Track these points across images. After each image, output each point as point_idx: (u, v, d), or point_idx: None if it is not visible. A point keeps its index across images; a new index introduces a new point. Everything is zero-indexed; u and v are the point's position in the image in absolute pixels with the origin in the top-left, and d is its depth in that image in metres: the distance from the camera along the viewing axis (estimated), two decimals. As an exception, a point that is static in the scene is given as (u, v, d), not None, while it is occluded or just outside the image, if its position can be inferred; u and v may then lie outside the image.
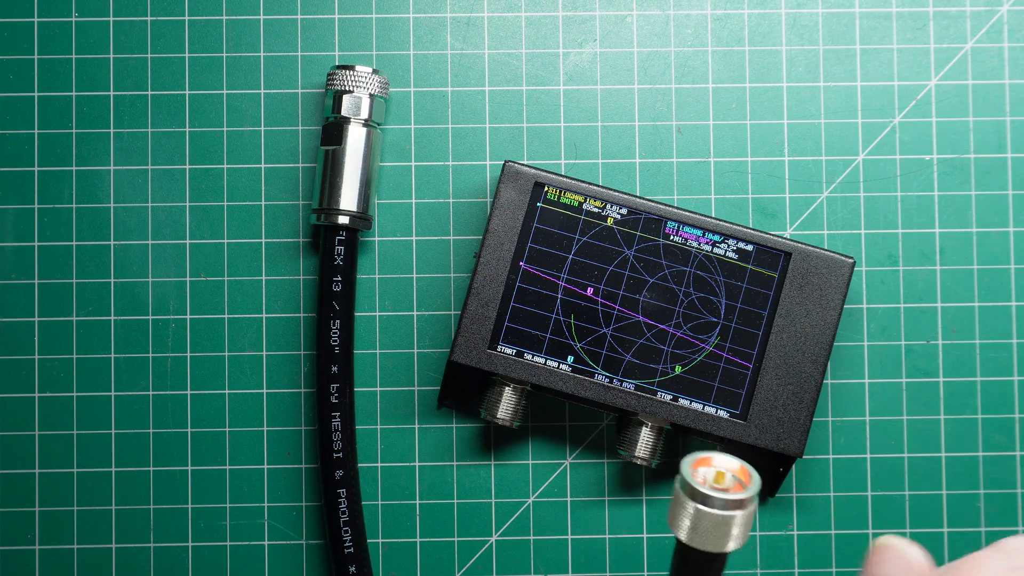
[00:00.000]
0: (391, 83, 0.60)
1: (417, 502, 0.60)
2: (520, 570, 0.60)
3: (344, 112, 0.58)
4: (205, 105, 0.60)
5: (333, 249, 0.58)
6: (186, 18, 0.61)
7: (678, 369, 0.57)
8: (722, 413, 0.57)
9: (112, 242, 0.60)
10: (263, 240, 0.60)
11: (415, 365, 0.60)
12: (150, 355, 0.60)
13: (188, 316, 0.60)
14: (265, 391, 0.60)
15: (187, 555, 0.59)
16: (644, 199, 0.57)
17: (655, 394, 0.57)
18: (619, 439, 0.58)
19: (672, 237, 0.57)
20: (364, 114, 0.58)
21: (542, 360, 0.57)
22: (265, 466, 0.60)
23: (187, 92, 0.60)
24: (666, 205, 0.57)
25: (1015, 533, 0.60)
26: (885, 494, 0.60)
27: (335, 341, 0.58)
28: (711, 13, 0.61)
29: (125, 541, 0.60)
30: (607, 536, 0.60)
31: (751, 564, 0.60)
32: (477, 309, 0.56)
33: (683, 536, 0.39)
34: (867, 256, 0.61)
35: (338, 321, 0.58)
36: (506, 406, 0.57)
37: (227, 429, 0.60)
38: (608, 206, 0.57)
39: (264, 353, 0.60)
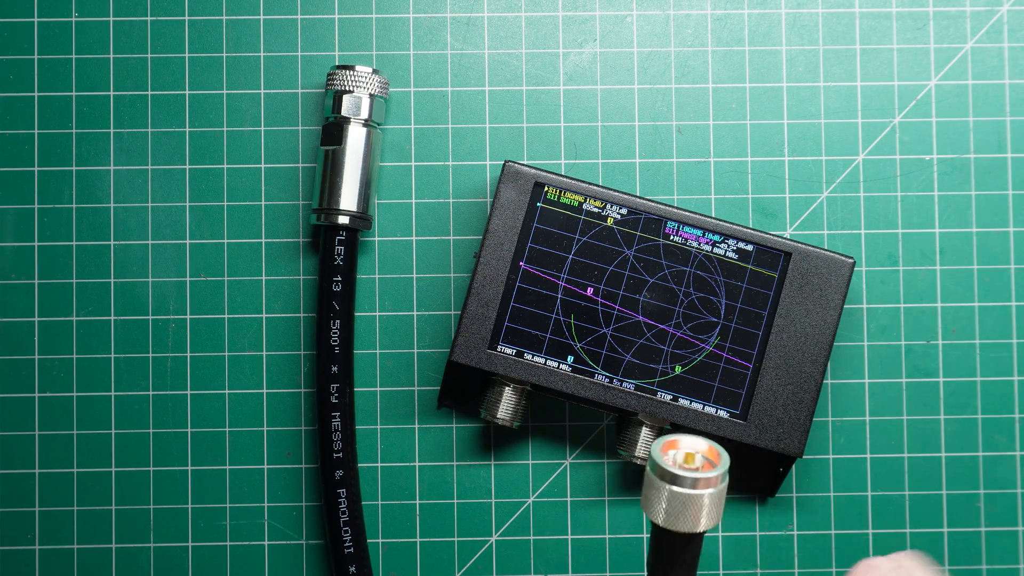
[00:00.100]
0: (391, 83, 0.60)
1: (417, 502, 0.60)
2: (520, 570, 0.60)
3: (344, 112, 0.58)
4: (205, 105, 0.60)
5: (333, 249, 0.58)
6: (186, 18, 0.61)
7: (678, 369, 0.57)
8: (722, 413, 0.57)
9: (112, 242, 0.60)
10: (263, 240, 0.60)
11: (415, 365, 0.60)
12: (150, 355, 0.60)
13: (188, 316, 0.60)
14: (265, 391, 0.60)
15: (187, 555, 0.59)
16: (644, 199, 0.57)
17: (655, 394, 0.57)
18: (619, 439, 0.58)
19: (672, 237, 0.57)
20: (364, 114, 0.58)
21: (542, 360, 0.57)
22: (265, 466, 0.60)
23: (187, 92, 0.60)
24: (666, 205, 0.57)
25: (1015, 533, 0.60)
26: (885, 494, 0.60)
27: (335, 341, 0.58)
28: (711, 13, 0.61)
29: (125, 541, 0.60)
30: (607, 536, 0.60)
31: (751, 564, 0.60)
32: (477, 309, 0.56)
33: (659, 520, 0.40)
34: (867, 256, 0.60)
35: (338, 321, 0.58)
36: (506, 406, 0.57)
37: (227, 429, 0.60)
38: (608, 206, 0.57)
39: (264, 353, 0.60)
